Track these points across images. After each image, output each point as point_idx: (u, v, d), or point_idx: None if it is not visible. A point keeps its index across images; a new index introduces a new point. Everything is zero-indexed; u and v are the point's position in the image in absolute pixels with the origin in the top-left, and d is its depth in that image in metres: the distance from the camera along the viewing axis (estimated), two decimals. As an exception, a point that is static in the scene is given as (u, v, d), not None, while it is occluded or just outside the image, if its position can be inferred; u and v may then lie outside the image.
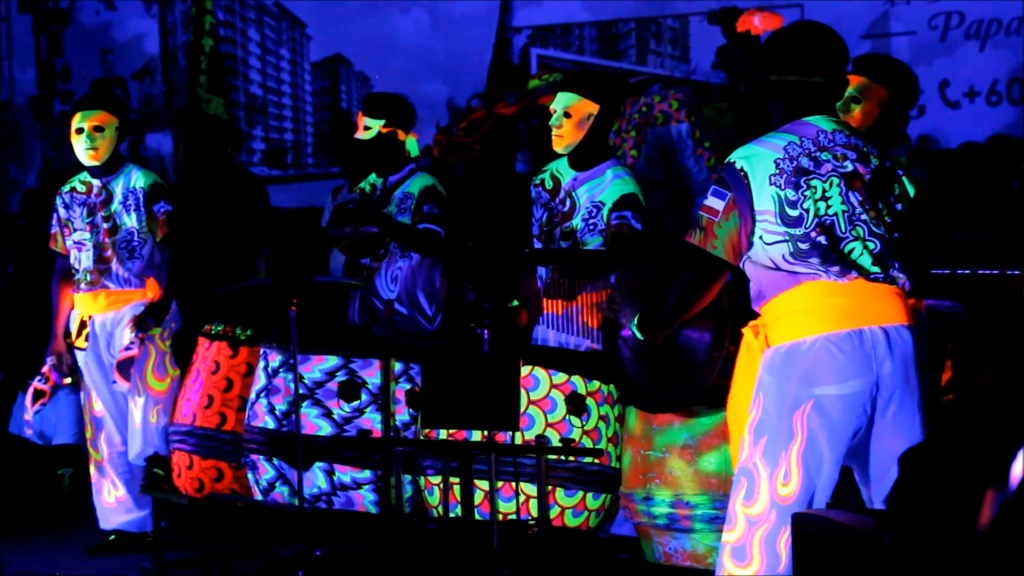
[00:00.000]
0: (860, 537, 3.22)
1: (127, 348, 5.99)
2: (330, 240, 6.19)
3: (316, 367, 5.33)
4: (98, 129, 6.17)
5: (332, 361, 5.33)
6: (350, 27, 9.78)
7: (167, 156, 10.01)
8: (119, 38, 10.51)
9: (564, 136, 5.51)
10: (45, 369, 6.21)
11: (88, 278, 6.19)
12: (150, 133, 10.22)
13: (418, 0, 9.60)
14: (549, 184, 5.64)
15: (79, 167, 6.37)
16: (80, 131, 6.16)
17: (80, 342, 6.19)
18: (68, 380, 6.24)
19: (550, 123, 5.52)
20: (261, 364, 5.51)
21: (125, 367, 5.98)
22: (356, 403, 5.31)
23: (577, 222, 5.49)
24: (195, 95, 8.15)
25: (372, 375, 5.31)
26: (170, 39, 10.39)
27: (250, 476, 5.48)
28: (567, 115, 5.49)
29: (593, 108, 5.49)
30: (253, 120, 10.09)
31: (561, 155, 5.59)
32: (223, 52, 9.20)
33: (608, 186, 5.49)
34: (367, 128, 6.04)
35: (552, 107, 5.53)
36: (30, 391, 6.23)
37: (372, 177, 6.24)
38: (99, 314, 6.19)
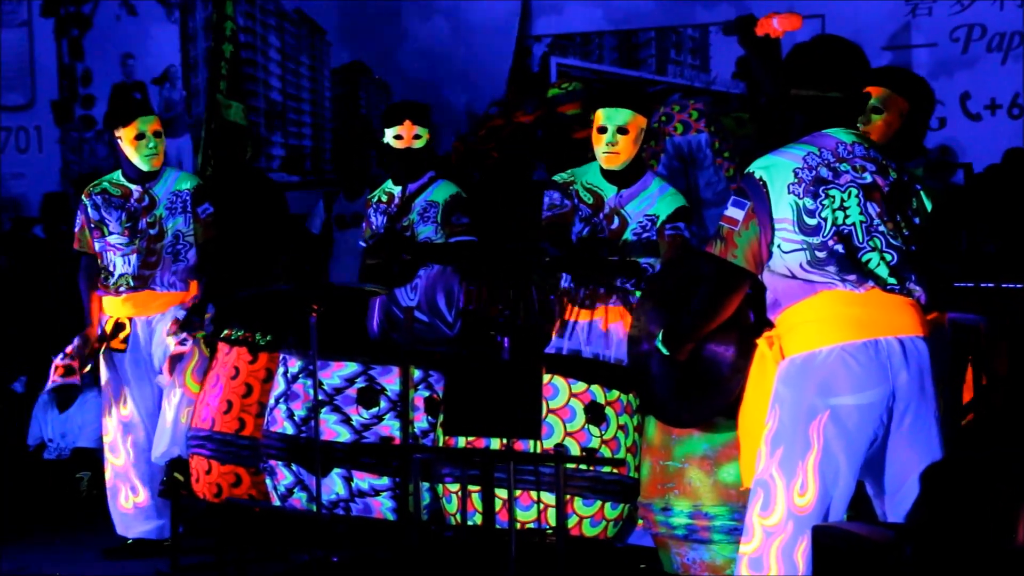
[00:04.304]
0: (881, 549, 3.21)
1: (181, 343, 5.96)
2: (366, 274, 6.21)
3: (335, 373, 5.33)
4: (158, 135, 6.11)
5: (351, 368, 5.33)
6: (370, 34, 9.80)
7: (187, 162, 10.04)
8: (140, 43, 10.55)
9: (621, 152, 5.43)
10: (70, 349, 6.12)
11: (130, 283, 6.12)
12: (170, 139, 10.25)
13: (438, 8, 9.62)
14: (588, 198, 5.54)
15: (99, 172, 6.33)
16: (142, 136, 6.06)
17: (117, 344, 6.15)
18: (87, 368, 6.18)
19: (605, 141, 5.41)
20: (280, 370, 5.52)
21: (175, 361, 5.96)
22: (375, 410, 5.30)
23: (628, 236, 5.46)
24: (215, 101, 8.15)
25: (391, 382, 5.30)
26: (191, 45, 10.43)
27: (268, 482, 5.48)
28: (623, 131, 5.41)
29: (643, 122, 5.48)
30: (273, 126, 10.12)
31: (613, 171, 5.48)
32: (244, 58, 9.21)
33: (658, 199, 5.47)
34: (417, 137, 6.06)
35: (602, 124, 5.43)
36: (56, 365, 6.14)
37: (388, 185, 6.23)
38: (141, 316, 6.15)
